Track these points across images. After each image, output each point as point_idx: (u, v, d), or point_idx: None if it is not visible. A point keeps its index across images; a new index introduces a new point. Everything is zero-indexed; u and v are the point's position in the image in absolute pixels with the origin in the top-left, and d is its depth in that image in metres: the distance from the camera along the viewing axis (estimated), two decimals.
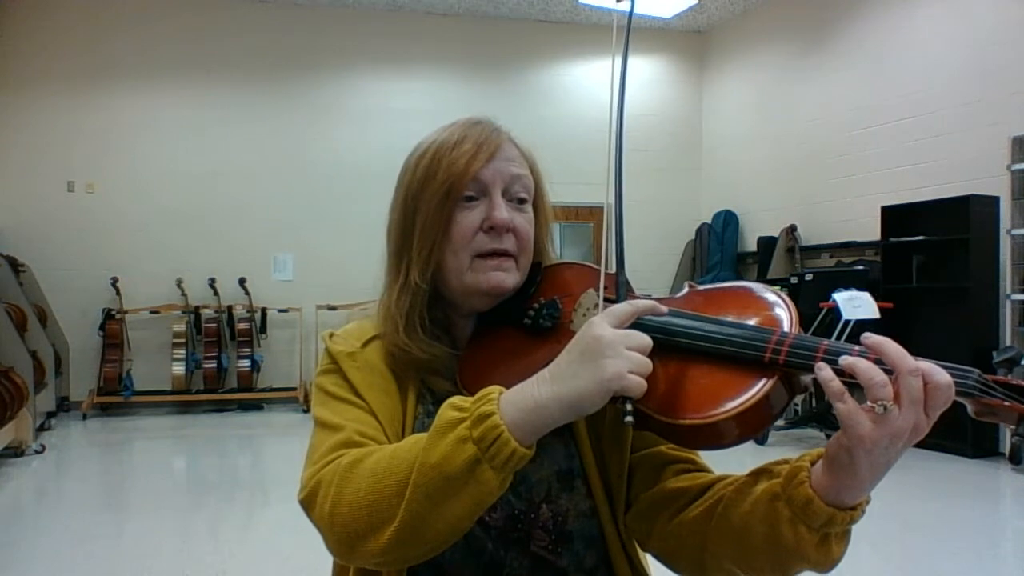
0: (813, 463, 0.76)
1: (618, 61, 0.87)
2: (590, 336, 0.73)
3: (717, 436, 0.73)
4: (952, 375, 0.67)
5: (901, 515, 4.04)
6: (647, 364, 0.72)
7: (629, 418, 0.72)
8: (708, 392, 0.74)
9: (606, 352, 0.71)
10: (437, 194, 0.92)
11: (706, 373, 0.75)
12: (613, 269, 0.87)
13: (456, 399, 0.77)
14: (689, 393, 0.75)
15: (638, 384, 0.71)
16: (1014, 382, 0.68)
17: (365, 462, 0.79)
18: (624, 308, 0.76)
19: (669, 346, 0.77)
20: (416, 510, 0.73)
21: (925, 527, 3.94)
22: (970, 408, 0.69)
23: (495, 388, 0.76)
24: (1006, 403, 0.67)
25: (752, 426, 0.73)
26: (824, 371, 0.68)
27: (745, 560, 0.80)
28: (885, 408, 0.66)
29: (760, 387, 0.72)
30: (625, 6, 0.92)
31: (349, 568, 0.91)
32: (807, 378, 0.74)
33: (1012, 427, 0.68)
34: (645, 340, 0.73)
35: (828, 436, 5.62)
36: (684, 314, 0.80)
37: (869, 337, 0.69)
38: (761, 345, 0.73)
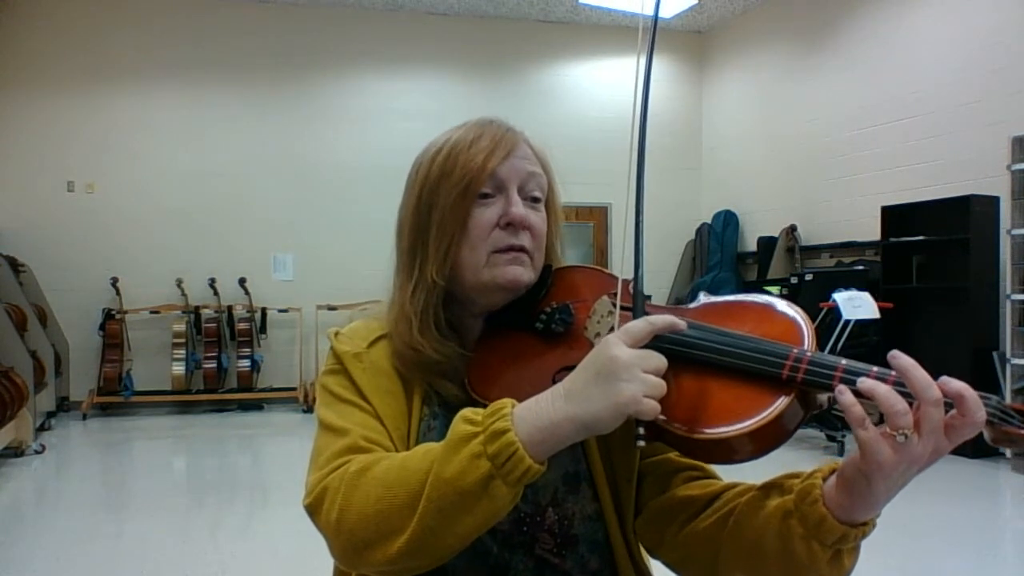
0: (825, 479, 0.76)
1: (643, 66, 0.86)
2: (606, 356, 0.72)
3: (730, 452, 0.73)
4: None
5: (901, 515, 4.03)
6: (662, 387, 0.71)
7: (641, 442, 0.72)
8: (724, 408, 0.73)
9: (621, 375, 0.70)
10: (455, 190, 0.92)
11: (722, 388, 0.75)
12: (628, 275, 0.85)
13: (468, 412, 0.76)
14: (705, 408, 0.74)
15: (652, 408, 0.70)
16: None
17: (374, 470, 0.78)
18: (641, 327, 0.74)
19: (685, 358, 0.76)
20: (428, 523, 0.73)
21: (925, 527, 3.94)
22: (987, 434, 0.68)
23: (508, 401, 0.75)
24: (1022, 431, 0.67)
25: (766, 443, 0.72)
26: (845, 396, 0.67)
27: (758, 573, 0.80)
28: (906, 437, 0.65)
29: (777, 405, 0.71)
30: (649, 11, 0.91)
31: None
32: (823, 396, 0.74)
33: None
34: (661, 362, 0.73)
35: (828, 436, 5.62)
36: (701, 326, 0.79)
37: (897, 357, 0.67)
38: (779, 362, 0.72)
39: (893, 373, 0.68)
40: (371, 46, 8.12)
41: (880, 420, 0.67)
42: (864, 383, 0.67)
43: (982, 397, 0.67)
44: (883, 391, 0.66)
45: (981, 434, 0.69)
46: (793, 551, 0.75)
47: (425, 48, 8.23)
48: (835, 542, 0.73)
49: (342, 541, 0.77)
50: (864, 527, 0.74)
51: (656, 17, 0.90)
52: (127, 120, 7.58)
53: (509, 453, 0.71)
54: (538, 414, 0.73)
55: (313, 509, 0.81)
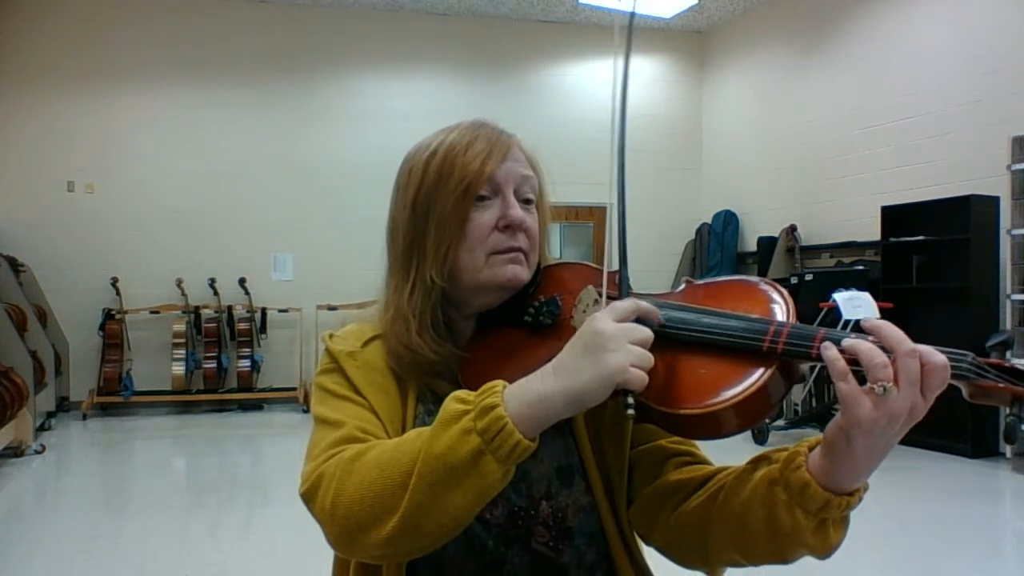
0: (811, 449, 0.77)
1: (619, 62, 0.88)
2: (592, 330, 0.74)
3: (717, 426, 0.74)
4: (947, 358, 0.68)
5: (901, 515, 4.04)
6: (649, 358, 0.73)
7: (631, 411, 0.72)
8: (707, 382, 0.75)
9: (608, 346, 0.72)
10: (453, 194, 0.93)
11: (705, 363, 0.76)
12: (613, 267, 0.87)
13: (460, 392, 0.77)
14: (689, 383, 0.76)
15: (640, 378, 0.72)
16: (1008, 365, 0.69)
17: (368, 455, 0.79)
18: (626, 304, 0.77)
19: (669, 338, 0.78)
20: (419, 501, 0.73)
21: (925, 527, 3.94)
22: (965, 391, 0.70)
23: (499, 382, 0.76)
24: (1000, 385, 0.68)
25: (751, 415, 0.73)
26: (830, 350, 0.69)
27: (745, 546, 0.81)
28: (885, 389, 0.67)
29: (759, 376, 0.72)
30: (627, 7, 0.93)
31: (349, 567, 0.92)
32: (805, 367, 0.76)
33: (1007, 408, 0.68)
34: (646, 334, 0.74)
35: None
36: (683, 307, 0.81)
37: (868, 321, 0.71)
38: (759, 335, 0.74)
39: (870, 337, 0.70)
40: (371, 46, 8.12)
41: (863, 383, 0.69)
42: (846, 342, 0.69)
43: (957, 353, 0.69)
44: (865, 346, 0.69)
45: (965, 399, 0.71)
46: (778, 519, 0.76)
47: (425, 48, 8.23)
48: (819, 509, 0.74)
49: (337, 526, 0.78)
50: (849, 498, 0.74)
51: (633, 14, 0.92)
52: (127, 120, 7.58)
53: (499, 428, 0.72)
54: (527, 390, 0.74)
55: (308, 497, 0.81)
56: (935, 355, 0.68)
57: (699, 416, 0.73)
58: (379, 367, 0.94)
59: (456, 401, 0.76)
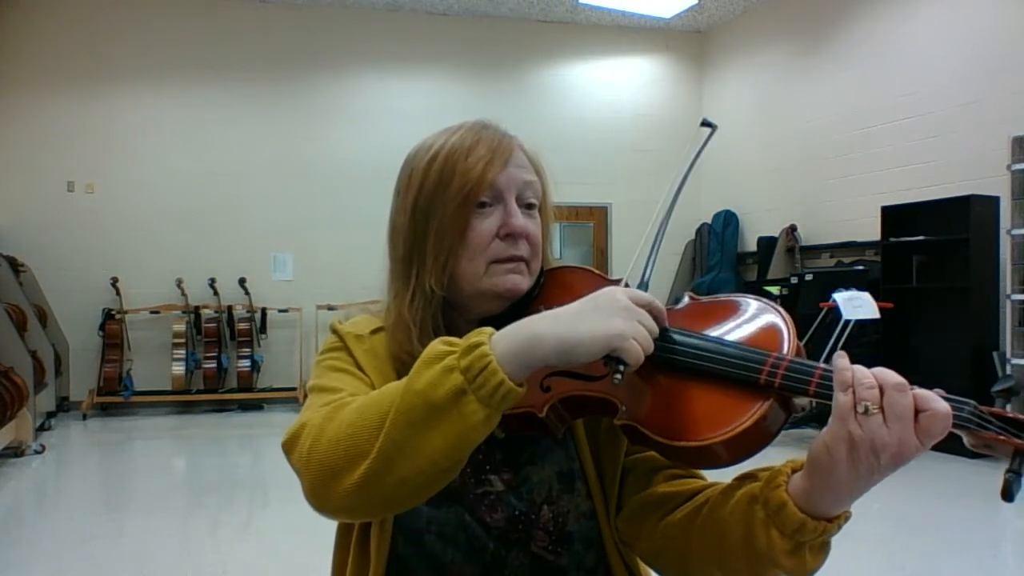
0: (795, 471, 0.76)
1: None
2: (610, 295, 0.74)
3: (713, 457, 0.74)
4: (949, 406, 0.67)
5: (901, 515, 4.04)
6: (650, 343, 0.73)
7: (618, 376, 0.72)
8: (704, 415, 0.75)
9: (620, 312, 0.72)
10: (453, 200, 0.91)
11: (703, 394, 0.76)
12: (625, 278, 0.87)
13: (447, 337, 0.75)
14: (686, 415, 0.76)
15: (637, 353, 0.71)
16: (1011, 415, 0.67)
17: (352, 403, 0.78)
18: (645, 294, 0.77)
19: (667, 364, 0.78)
20: (395, 438, 0.71)
21: (925, 527, 3.94)
22: (966, 440, 0.68)
23: (487, 328, 0.75)
24: (1001, 437, 0.66)
25: (748, 447, 0.73)
26: (843, 359, 0.69)
27: (724, 562, 0.81)
28: (867, 409, 0.66)
29: (754, 411, 0.72)
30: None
31: (347, 566, 0.92)
32: (803, 401, 0.75)
33: (1007, 461, 0.66)
34: (654, 325, 0.74)
35: None
36: (682, 331, 0.80)
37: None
38: (757, 367, 0.74)
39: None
40: (371, 46, 8.12)
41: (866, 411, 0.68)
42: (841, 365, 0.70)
43: (958, 401, 0.67)
44: (861, 369, 0.69)
45: (963, 442, 0.69)
46: (754, 537, 0.75)
47: (425, 48, 8.23)
48: (794, 532, 0.73)
49: (312, 472, 0.75)
50: (828, 523, 0.73)
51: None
52: (127, 120, 7.58)
53: (482, 365, 0.69)
54: (520, 328, 0.73)
55: (289, 446, 0.80)
56: (937, 402, 0.66)
57: (695, 449, 0.73)
58: (384, 356, 0.94)
59: (442, 343, 0.74)
